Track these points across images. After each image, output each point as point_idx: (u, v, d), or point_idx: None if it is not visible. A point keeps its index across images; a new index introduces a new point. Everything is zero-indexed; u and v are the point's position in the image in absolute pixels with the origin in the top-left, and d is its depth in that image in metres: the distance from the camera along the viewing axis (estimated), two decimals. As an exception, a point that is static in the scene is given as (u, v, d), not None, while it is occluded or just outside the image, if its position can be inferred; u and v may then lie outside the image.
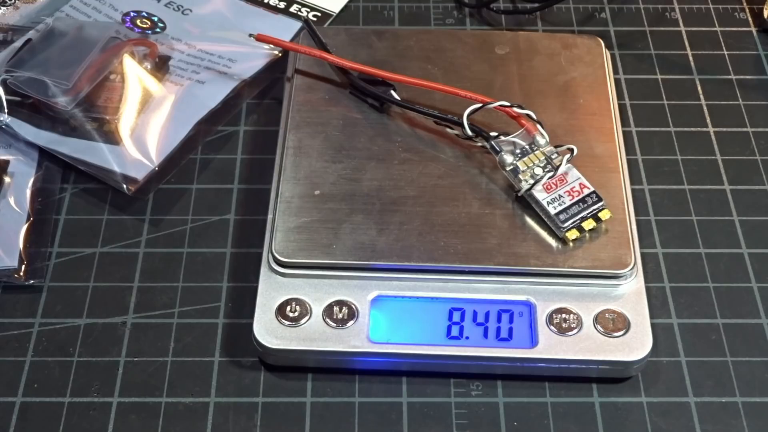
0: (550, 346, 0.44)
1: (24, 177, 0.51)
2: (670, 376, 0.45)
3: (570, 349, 0.44)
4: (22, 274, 0.48)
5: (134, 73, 0.54)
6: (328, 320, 0.44)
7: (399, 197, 0.47)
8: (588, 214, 0.46)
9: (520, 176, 0.47)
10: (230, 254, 0.49)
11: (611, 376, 0.45)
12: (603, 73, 0.53)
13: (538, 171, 0.47)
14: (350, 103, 0.52)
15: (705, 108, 0.56)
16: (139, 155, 0.51)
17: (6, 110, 0.52)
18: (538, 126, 0.48)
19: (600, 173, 0.48)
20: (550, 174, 0.47)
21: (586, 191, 0.46)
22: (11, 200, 0.50)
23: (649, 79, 0.58)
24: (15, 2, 0.59)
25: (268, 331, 0.44)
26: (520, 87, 0.52)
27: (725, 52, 0.59)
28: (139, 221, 0.50)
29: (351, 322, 0.44)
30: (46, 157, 0.52)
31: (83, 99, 0.52)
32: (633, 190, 0.51)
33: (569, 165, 0.47)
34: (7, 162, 0.52)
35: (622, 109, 0.55)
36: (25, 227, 0.49)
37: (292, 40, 0.57)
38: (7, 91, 0.52)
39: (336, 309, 0.45)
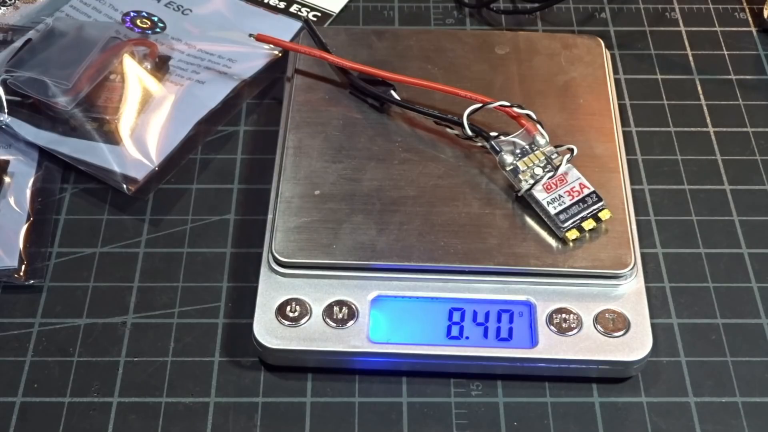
0: (550, 346, 0.44)
1: (24, 177, 0.51)
2: (670, 376, 0.45)
3: (570, 349, 0.44)
4: (22, 274, 0.48)
5: (134, 73, 0.54)
6: (328, 320, 0.44)
7: (399, 197, 0.47)
8: (588, 214, 0.46)
9: (520, 176, 0.47)
10: (230, 254, 0.49)
11: (611, 376, 0.45)
12: (603, 73, 0.53)
13: (538, 171, 0.47)
14: (350, 103, 0.52)
15: (705, 108, 0.56)
16: (139, 155, 0.51)
17: (6, 110, 0.52)
18: (538, 126, 0.48)
19: (600, 173, 0.48)
20: (550, 174, 0.47)
21: (586, 191, 0.46)
22: (11, 200, 0.50)
23: (649, 79, 0.58)
24: (15, 2, 0.59)
25: (268, 331, 0.44)
26: (520, 87, 0.52)
27: (725, 52, 0.59)
28: (139, 221, 0.50)
29: (351, 322, 0.44)
30: (46, 157, 0.52)
31: (83, 99, 0.52)
32: (633, 190, 0.51)
33: (569, 165, 0.47)
34: (7, 162, 0.52)
35: (622, 109, 0.55)
36: (25, 227, 0.49)
37: (292, 40, 0.57)
38: (7, 91, 0.52)
39: (336, 309, 0.45)
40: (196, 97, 0.54)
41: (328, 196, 0.47)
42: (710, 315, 0.47)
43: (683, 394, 0.44)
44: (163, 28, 0.58)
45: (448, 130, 0.50)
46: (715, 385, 0.45)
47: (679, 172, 0.53)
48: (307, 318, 0.44)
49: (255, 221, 0.50)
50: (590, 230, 0.46)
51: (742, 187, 0.52)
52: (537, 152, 0.47)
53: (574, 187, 0.47)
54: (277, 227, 0.46)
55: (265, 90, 0.56)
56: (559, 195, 0.46)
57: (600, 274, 0.45)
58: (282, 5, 0.61)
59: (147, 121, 0.53)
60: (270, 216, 0.47)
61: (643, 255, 0.48)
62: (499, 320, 0.44)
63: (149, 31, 0.58)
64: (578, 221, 0.46)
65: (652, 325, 0.44)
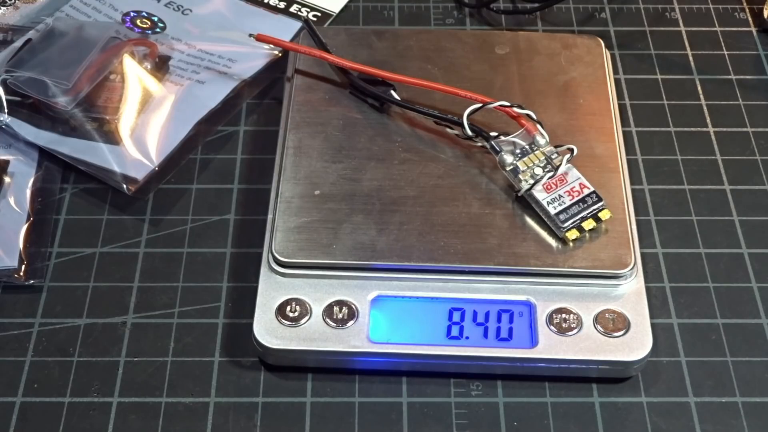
0: (550, 346, 0.44)
1: (24, 177, 0.51)
2: (670, 376, 0.45)
3: (570, 349, 0.44)
4: (22, 274, 0.48)
5: (134, 73, 0.54)
6: (328, 320, 0.44)
7: (399, 197, 0.47)
8: (588, 214, 0.46)
9: (520, 176, 0.47)
10: (230, 254, 0.49)
11: (611, 376, 0.45)
12: (603, 73, 0.53)
13: (538, 171, 0.47)
14: (350, 103, 0.52)
15: (705, 108, 0.56)
16: (139, 155, 0.51)
17: (6, 110, 0.52)
18: (538, 126, 0.48)
19: (600, 173, 0.48)
20: (550, 174, 0.47)
21: (586, 191, 0.46)
22: (11, 200, 0.50)
23: (649, 79, 0.58)
24: (15, 2, 0.59)
25: (268, 331, 0.44)
26: (520, 87, 0.52)
27: (725, 52, 0.59)
28: (139, 221, 0.50)
29: (351, 322, 0.44)
30: (46, 157, 0.52)
31: (83, 99, 0.52)
32: (633, 190, 0.51)
33: (569, 165, 0.47)
34: (7, 162, 0.52)
35: (622, 109, 0.55)
36: (25, 227, 0.49)
37: (292, 40, 0.57)
38: (7, 91, 0.52)
39: (336, 309, 0.45)
40: (196, 97, 0.54)
41: (328, 196, 0.47)
42: (710, 315, 0.47)
43: (683, 394, 0.44)
44: (163, 28, 0.58)
45: (448, 130, 0.50)
46: (715, 385, 0.45)
47: (679, 172, 0.53)
48: (307, 318, 0.44)
49: (255, 221, 0.50)
50: (590, 230, 0.46)
51: (742, 187, 0.52)
52: (537, 152, 0.47)
53: (574, 187, 0.47)
54: (277, 227, 0.46)
55: (265, 90, 0.56)
56: (559, 195, 0.46)
57: (600, 274, 0.45)
58: (282, 5, 0.61)
59: (147, 121, 0.53)
60: (270, 216, 0.47)
61: (643, 255, 0.48)
62: (499, 320, 0.44)
63: (149, 31, 0.58)
64: (578, 221, 0.46)
65: (652, 325, 0.44)
